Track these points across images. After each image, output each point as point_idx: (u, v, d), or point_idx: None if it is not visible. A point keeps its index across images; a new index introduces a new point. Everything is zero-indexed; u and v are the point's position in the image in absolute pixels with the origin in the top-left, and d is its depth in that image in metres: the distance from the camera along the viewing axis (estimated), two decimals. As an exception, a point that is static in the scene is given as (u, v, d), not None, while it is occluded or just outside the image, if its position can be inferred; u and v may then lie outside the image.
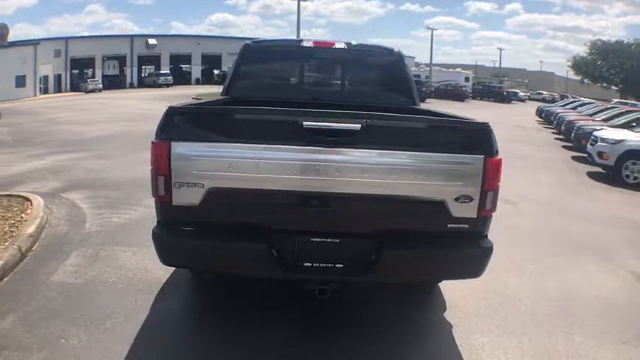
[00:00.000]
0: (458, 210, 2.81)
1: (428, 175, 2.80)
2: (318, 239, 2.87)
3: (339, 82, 5.08)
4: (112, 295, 3.70)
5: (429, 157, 2.80)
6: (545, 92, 60.85)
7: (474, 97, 46.20)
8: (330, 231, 2.87)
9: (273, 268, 2.80)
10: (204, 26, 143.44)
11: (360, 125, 2.73)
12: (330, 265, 2.88)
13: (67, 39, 46.88)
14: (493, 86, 53.47)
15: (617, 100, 35.98)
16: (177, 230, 2.86)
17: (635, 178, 9.53)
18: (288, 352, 3.12)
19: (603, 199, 8.51)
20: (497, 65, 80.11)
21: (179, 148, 2.75)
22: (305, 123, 2.71)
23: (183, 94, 31.50)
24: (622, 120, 13.02)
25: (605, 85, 54.67)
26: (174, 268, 4.16)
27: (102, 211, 5.77)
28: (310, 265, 2.87)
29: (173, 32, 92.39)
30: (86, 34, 54.06)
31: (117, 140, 11.39)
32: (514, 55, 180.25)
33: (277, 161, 2.75)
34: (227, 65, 50.15)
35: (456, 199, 2.79)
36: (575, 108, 22.19)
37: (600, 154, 9.93)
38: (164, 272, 4.10)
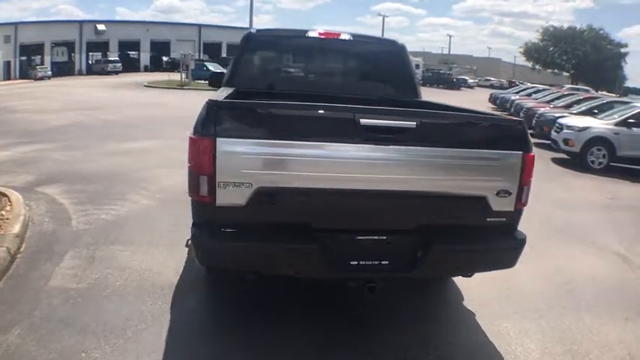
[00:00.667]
0: (498, 204, 2.81)
1: (472, 171, 2.78)
2: (364, 237, 2.73)
3: (344, 74, 4.89)
4: (123, 300, 3.34)
5: (474, 153, 2.77)
6: (493, 78, 62.00)
7: (424, 85, 46.92)
8: (376, 229, 2.75)
9: (322, 268, 2.64)
10: (149, 12, 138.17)
11: (415, 123, 2.65)
12: (376, 262, 2.75)
13: (16, 24, 43.42)
14: (443, 73, 53.51)
15: (569, 85, 37.30)
16: (220, 232, 2.60)
17: (599, 163, 9.91)
18: (324, 353, 2.96)
19: (574, 184, 8.81)
20: (445, 52, 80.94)
21: (226, 145, 2.49)
22: (362, 120, 2.59)
23: (135, 82, 30.21)
24: (583, 107, 13.43)
25: (556, 71, 56.72)
26: (181, 269, 3.88)
27: (85, 207, 5.29)
28: (357, 263, 2.72)
29: (118, 18, 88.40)
30: (33, 19, 50.70)
31: (79, 130, 10.62)
32: (460, 41, 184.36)
33: (331, 159, 2.60)
34: (176, 52, 49.08)
35: (497, 194, 2.79)
36: (529, 95, 22.44)
37: (566, 141, 10.23)
38: (173, 273, 3.81)
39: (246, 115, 2.65)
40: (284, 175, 2.56)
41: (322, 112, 2.72)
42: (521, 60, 60.60)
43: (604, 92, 29.76)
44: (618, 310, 3.78)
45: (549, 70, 57.51)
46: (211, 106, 2.53)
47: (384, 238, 2.75)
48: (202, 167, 2.51)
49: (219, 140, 2.48)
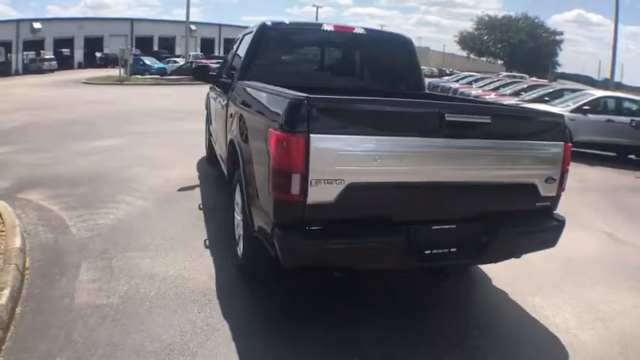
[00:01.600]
0: (545, 190, 2.97)
1: (527, 161, 2.93)
2: (438, 227, 2.69)
3: (358, 68, 4.72)
4: (167, 312, 2.96)
5: (529, 145, 2.95)
6: (425, 67, 63.67)
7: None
8: (447, 218, 2.74)
9: (406, 259, 2.61)
10: (79, 8, 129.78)
11: (489, 118, 2.77)
12: (446, 250, 2.75)
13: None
14: None
15: (505, 73, 38.62)
16: (311, 231, 2.44)
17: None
18: (390, 343, 2.82)
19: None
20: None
21: (319, 141, 2.38)
22: (447, 116, 2.63)
23: (72, 79, 28.10)
24: (533, 95, 13.90)
25: (491, 59, 58.29)
26: (213, 271, 3.56)
27: (78, 212, 4.71)
28: (430, 252, 2.70)
29: (51, 16, 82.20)
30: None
31: (38, 130, 9.55)
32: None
33: (416, 153, 2.57)
34: (109, 47, 46.63)
35: (545, 181, 2.94)
36: (470, 83, 22.87)
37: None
38: (206, 277, 3.48)
39: (338, 110, 2.54)
40: (373, 170, 2.47)
41: (411, 108, 2.80)
42: (450, 49, 61.93)
43: (534, 79, 31.19)
44: (622, 281, 4.05)
45: (484, 59, 59.13)
46: (300, 103, 2.40)
47: (454, 226, 2.73)
48: (295, 165, 2.38)
49: (312, 137, 2.36)
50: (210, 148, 6.81)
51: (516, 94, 15.42)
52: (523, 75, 35.40)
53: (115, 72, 28.41)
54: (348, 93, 3.62)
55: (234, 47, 5.33)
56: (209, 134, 6.74)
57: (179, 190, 5.72)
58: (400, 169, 2.55)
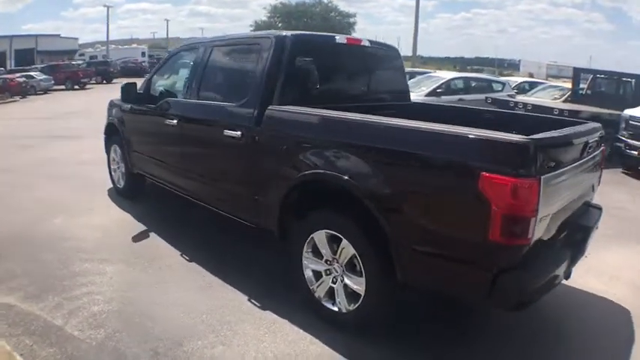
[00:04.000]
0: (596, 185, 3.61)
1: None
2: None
3: (367, 81, 4.45)
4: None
5: None
6: None
7: (155, 72, 43.69)
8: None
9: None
10: None
11: (596, 137, 3.16)
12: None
13: None
14: None
15: None
16: (525, 267, 2.44)
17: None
18: None
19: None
20: (158, 36, 77.29)
21: (547, 181, 2.37)
22: (590, 141, 2.92)
23: None
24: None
25: None
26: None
27: (52, 300, 3.36)
28: None
29: None
30: None
31: None
32: (162, 25, 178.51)
33: (572, 179, 2.76)
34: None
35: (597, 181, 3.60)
36: None
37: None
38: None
39: (555, 147, 2.56)
40: (557, 200, 2.61)
41: (587, 136, 2.94)
42: None
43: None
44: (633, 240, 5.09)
45: None
46: (531, 144, 2.30)
47: None
48: (530, 210, 2.31)
49: (542, 178, 2.33)
50: (129, 179, 5.69)
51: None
52: None
53: None
54: (378, 110, 3.71)
55: (198, 62, 4.39)
56: (125, 164, 5.64)
57: (136, 239, 4.64)
58: (565, 196, 2.73)
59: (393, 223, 2.72)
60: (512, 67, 60.85)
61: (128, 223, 5.01)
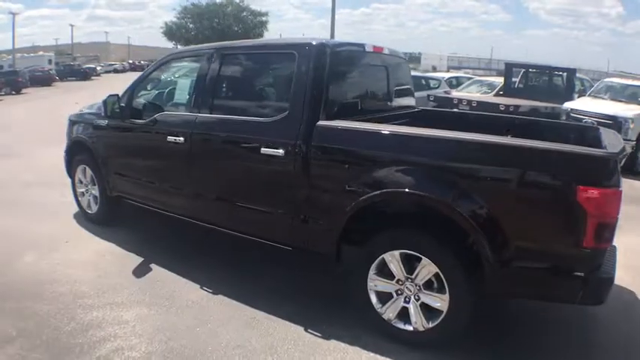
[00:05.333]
0: None
1: None
2: None
3: (389, 90, 4.26)
4: None
5: None
6: (116, 63, 58.93)
7: (61, 79, 40.06)
8: None
9: None
10: None
11: None
12: None
13: None
14: (74, 65, 48.52)
15: None
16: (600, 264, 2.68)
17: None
18: None
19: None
20: (61, 42, 72.18)
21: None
22: None
23: None
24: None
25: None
26: None
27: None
28: None
29: None
30: None
31: None
32: (60, 31, 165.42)
33: None
34: None
35: None
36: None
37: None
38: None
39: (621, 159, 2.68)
40: None
41: None
42: (165, 39, 56.92)
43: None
44: None
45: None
46: (614, 157, 2.52)
47: None
48: (615, 216, 2.55)
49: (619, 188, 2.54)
50: (105, 204, 4.93)
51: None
52: None
53: None
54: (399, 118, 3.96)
55: (205, 72, 3.86)
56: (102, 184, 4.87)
57: (138, 273, 4.00)
58: None
59: (490, 240, 2.68)
60: (414, 60, 63.55)
61: (118, 256, 4.31)
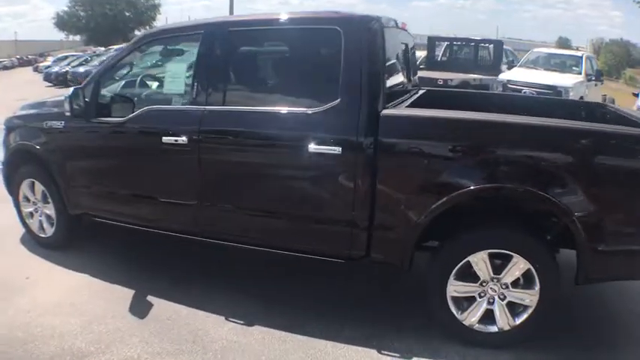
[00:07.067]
0: None
1: None
2: None
3: (408, 68, 3.82)
4: None
5: None
6: (5, 59, 52.93)
7: None
8: None
9: None
10: None
11: None
12: None
13: None
14: None
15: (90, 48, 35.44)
16: None
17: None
18: None
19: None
20: None
21: None
22: None
23: None
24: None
25: (84, 36, 51.85)
26: None
27: None
28: None
29: None
30: None
31: None
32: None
33: None
34: None
35: None
36: (82, 64, 21.63)
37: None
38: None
39: None
40: None
41: None
42: (21, 36, 52.17)
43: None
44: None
45: (77, 38, 52.78)
46: None
47: None
48: None
49: None
50: (63, 224, 3.94)
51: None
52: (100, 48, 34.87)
53: None
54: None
55: (208, 55, 3.09)
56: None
57: (138, 313, 3.17)
58: None
59: (588, 231, 2.54)
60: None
61: (99, 290, 3.40)
